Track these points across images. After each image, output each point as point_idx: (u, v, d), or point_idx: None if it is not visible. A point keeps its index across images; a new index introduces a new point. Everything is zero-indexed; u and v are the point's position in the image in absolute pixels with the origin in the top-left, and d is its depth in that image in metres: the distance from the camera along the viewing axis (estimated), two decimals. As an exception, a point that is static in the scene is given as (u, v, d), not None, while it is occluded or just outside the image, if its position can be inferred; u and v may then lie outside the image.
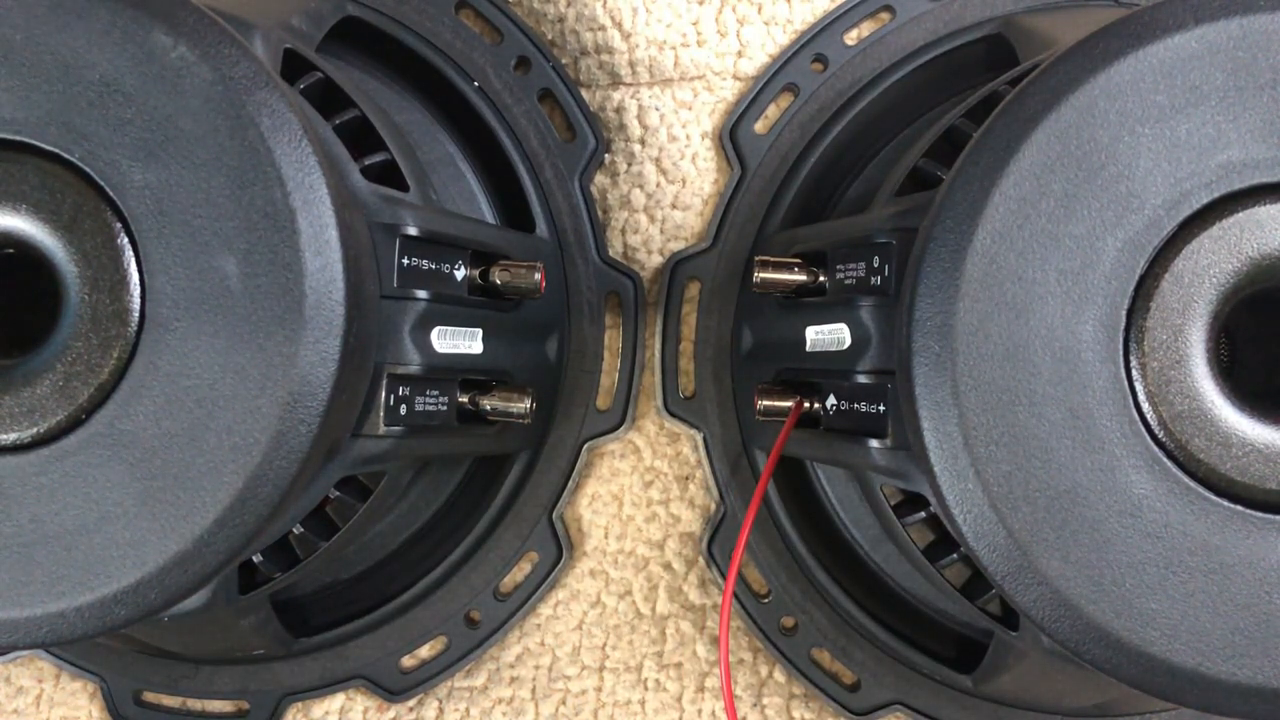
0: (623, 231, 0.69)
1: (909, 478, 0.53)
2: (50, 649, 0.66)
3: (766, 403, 0.59)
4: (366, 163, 0.55)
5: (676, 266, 0.68)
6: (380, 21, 0.65)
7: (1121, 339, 0.45)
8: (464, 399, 0.56)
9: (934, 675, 0.65)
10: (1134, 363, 0.45)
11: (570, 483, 0.68)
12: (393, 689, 0.67)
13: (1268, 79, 0.45)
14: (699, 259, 0.68)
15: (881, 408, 0.53)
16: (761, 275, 0.58)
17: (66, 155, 0.45)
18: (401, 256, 0.52)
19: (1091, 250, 0.45)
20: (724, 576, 0.67)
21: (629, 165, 0.69)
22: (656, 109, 0.69)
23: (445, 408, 0.55)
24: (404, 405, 0.53)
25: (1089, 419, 0.45)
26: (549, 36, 0.69)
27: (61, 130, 0.45)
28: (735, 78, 0.69)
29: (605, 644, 0.68)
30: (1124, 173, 0.45)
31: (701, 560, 0.68)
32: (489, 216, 0.67)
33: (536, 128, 0.67)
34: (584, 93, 0.69)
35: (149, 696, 0.67)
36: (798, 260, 0.58)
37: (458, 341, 0.55)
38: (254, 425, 0.44)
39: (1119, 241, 0.45)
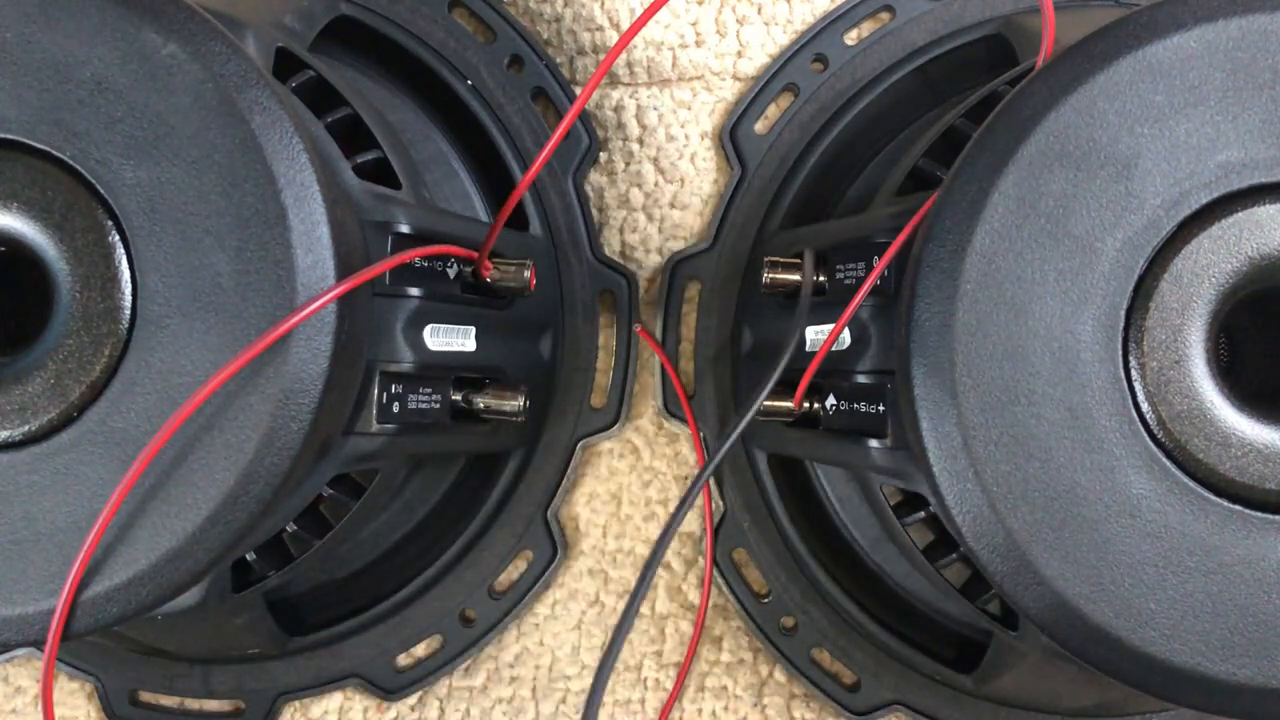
0: (620, 230, 0.69)
1: (909, 478, 0.53)
2: (44, 648, 0.67)
3: (766, 403, 0.58)
4: (358, 161, 0.55)
5: (676, 266, 0.68)
6: (373, 20, 0.65)
7: (1121, 339, 0.45)
8: (457, 397, 0.56)
9: (934, 675, 0.65)
10: (1133, 362, 0.45)
11: (565, 481, 0.68)
12: (388, 688, 0.67)
13: (1267, 79, 0.45)
14: (699, 259, 0.68)
15: (881, 408, 0.53)
16: (771, 276, 0.58)
17: (58, 153, 0.45)
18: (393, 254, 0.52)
19: (1090, 250, 0.45)
20: (724, 577, 0.67)
21: (627, 164, 0.69)
22: (655, 109, 0.69)
23: (438, 405, 0.55)
24: (397, 403, 0.53)
25: (1088, 419, 0.45)
26: (545, 36, 0.69)
27: (53, 128, 0.45)
28: (735, 78, 0.69)
29: (604, 643, 0.68)
30: (1123, 173, 0.45)
31: (701, 560, 0.68)
32: (482, 215, 0.67)
33: (530, 125, 0.67)
34: (580, 91, 0.68)
35: (145, 696, 0.67)
36: (798, 260, 0.58)
37: (451, 339, 0.56)
38: (245, 422, 0.44)
39: (1118, 241, 0.45)
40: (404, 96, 0.67)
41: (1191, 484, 0.45)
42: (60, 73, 0.45)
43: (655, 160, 0.69)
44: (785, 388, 0.58)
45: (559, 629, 0.69)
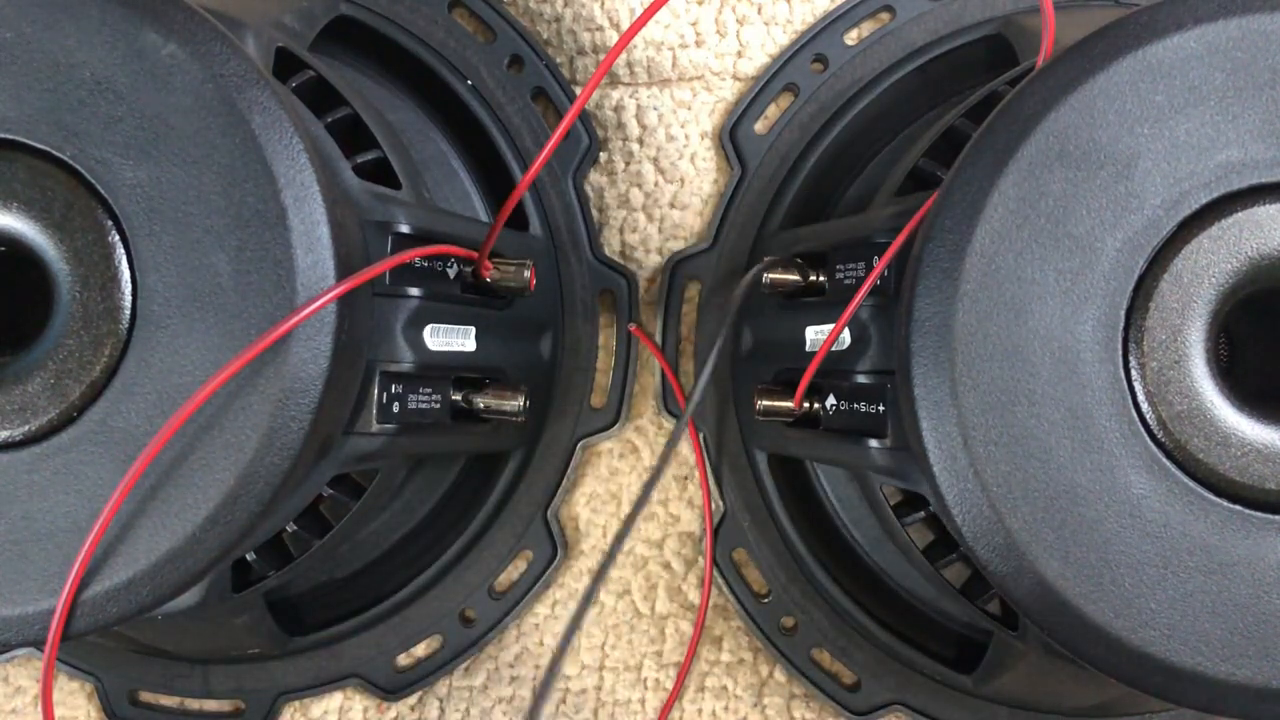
0: (620, 230, 0.69)
1: (909, 478, 0.53)
2: (44, 648, 0.67)
3: (766, 403, 0.59)
4: (359, 161, 0.55)
5: (676, 266, 0.68)
6: (373, 20, 0.65)
7: (1121, 339, 0.45)
8: (457, 397, 0.56)
9: (934, 675, 0.65)
10: (1133, 363, 0.45)
11: (565, 481, 0.68)
12: (388, 688, 0.67)
13: (1267, 79, 0.45)
14: (699, 259, 0.68)
15: (881, 408, 0.53)
16: (771, 276, 0.58)
17: (58, 153, 0.45)
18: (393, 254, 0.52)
19: (1090, 250, 0.45)
20: (724, 577, 0.67)
21: (627, 164, 0.69)
22: (655, 109, 0.69)
23: (438, 405, 0.55)
24: (397, 403, 0.53)
25: (1088, 419, 0.45)
26: (545, 36, 0.69)
27: (53, 128, 0.45)
28: (735, 78, 0.69)
29: (604, 643, 0.68)
30: (1123, 173, 0.45)
31: (701, 560, 0.68)
32: (482, 215, 0.67)
33: (530, 126, 0.67)
34: (580, 91, 0.68)
35: (145, 696, 0.67)
36: (798, 260, 0.58)
37: (451, 339, 0.56)
38: (246, 422, 0.44)
39: (1118, 241, 0.45)
40: (404, 96, 0.67)
41: (1191, 484, 0.45)
42: (60, 73, 0.45)
43: (655, 160, 0.69)
44: (785, 388, 0.59)
45: (559, 629, 0.69)
